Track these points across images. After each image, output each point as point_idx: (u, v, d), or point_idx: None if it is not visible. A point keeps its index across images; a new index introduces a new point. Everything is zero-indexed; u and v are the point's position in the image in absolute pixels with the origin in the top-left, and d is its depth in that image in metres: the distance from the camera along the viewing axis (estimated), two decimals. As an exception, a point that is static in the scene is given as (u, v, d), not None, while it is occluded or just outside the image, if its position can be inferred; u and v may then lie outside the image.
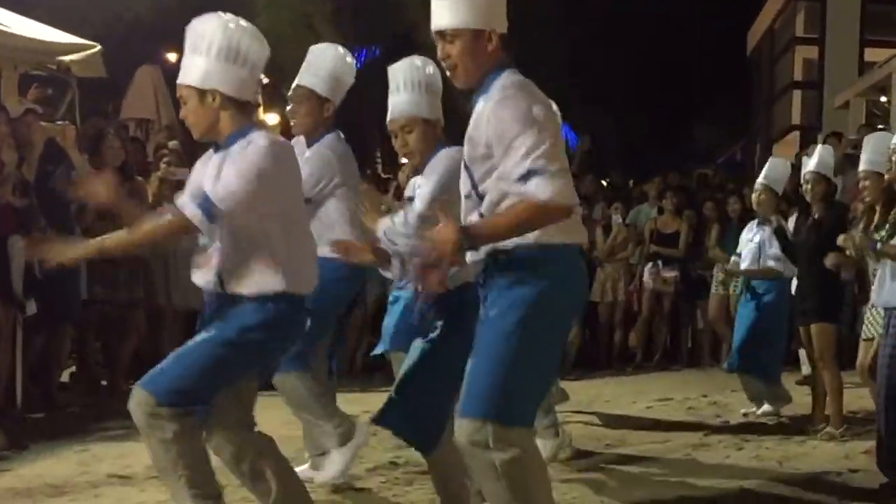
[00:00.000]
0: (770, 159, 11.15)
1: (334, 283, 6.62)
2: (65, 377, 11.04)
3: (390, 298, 7.22)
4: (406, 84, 5.95)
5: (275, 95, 19.55)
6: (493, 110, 4.44)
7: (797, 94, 26.79)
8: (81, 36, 14.30)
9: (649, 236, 14.92)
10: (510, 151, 4.36)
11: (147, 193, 11.19)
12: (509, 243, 4.47)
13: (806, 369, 11.25)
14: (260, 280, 5.06)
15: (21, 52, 13.24)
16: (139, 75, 16.33)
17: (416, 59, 6.04)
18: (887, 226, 7.50)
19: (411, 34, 20.85)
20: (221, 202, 4.88)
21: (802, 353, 11.12)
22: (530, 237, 4.44)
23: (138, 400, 5.00)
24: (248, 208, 4.93)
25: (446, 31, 4.65)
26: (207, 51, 5.00)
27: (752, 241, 10.35)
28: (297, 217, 5.25)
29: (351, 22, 25.35)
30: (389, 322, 7.23)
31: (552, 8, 25.92)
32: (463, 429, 4.50)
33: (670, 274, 14.64)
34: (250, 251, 5.05)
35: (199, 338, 5.13)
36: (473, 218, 4.60)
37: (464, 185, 4.68)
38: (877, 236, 7.54)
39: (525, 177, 4.32)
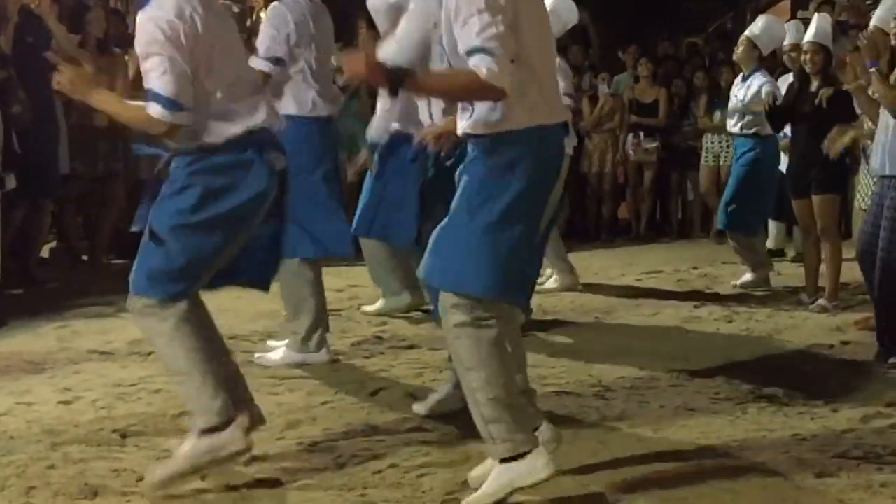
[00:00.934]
0: (762, 16, 10.91)
1: (302, 143, 6.58)
2: (44, 252, 10.90)
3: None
4: None
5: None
6: None
7: (789, -39, 26.44)
8: None
9: (628, 106, 14.74)
10: (465, 27, 4.42)
11: (128, 67, 10.97)
12: (482, 128, 4.54)
13: (796, 246, 11.16)
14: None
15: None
16: (119, -56, 16.00)
17: None
18: None
19: None
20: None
21: (795, 229, 10.98)
22: (513, 121, 4.49)
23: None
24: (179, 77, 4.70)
25: None
26: None
27: (736, 97, 10.30)
28: (223, 64, 4.84)
29: None
30: (359, 205, 7.20)
31: None
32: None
33: (651, 144, 14.48)
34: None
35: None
36: None
37: (440, 57, 4.77)
38: None
39: (472, 53, 4.39)
